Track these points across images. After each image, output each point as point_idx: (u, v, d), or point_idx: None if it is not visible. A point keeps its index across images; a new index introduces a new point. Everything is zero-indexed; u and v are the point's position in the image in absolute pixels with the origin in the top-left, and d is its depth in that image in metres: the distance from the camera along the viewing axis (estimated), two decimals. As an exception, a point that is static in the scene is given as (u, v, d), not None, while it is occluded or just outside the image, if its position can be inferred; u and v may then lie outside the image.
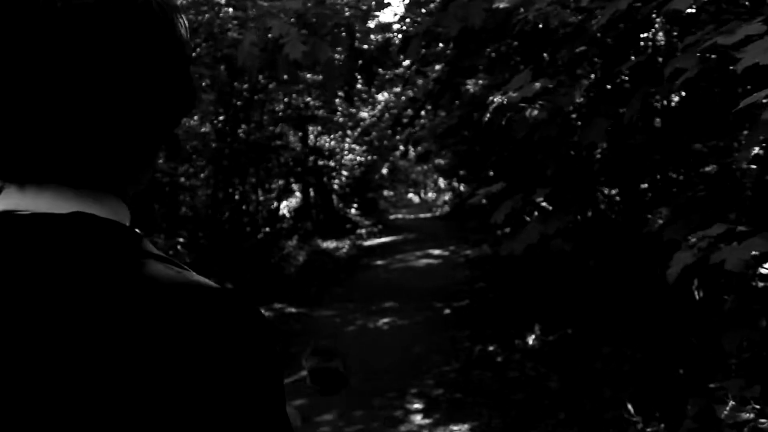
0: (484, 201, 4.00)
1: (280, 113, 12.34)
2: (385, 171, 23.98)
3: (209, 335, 0.58)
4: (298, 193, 17.59)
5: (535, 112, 2.97)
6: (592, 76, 3.92)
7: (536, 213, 4.99)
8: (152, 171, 0.71)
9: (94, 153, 0.62)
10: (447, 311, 7.93)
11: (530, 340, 6.08)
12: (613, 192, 4.10)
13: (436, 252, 13.78)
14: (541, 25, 3.58)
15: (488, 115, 3.19)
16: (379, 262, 12.70)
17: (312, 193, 17.17)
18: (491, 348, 6.07)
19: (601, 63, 3.70)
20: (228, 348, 0.58)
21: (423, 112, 9.87)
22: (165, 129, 0.67)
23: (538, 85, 2.95)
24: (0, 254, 0.59)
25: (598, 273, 4.81)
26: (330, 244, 13.83)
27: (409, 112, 9.30)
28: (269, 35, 4.06)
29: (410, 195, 36.50)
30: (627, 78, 3.58)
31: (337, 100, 12.89)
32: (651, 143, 3.31)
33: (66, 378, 0.54)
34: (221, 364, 0.58)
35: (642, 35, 3.51)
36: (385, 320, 7.64)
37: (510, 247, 3.16)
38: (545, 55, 4.12)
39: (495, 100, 3.05)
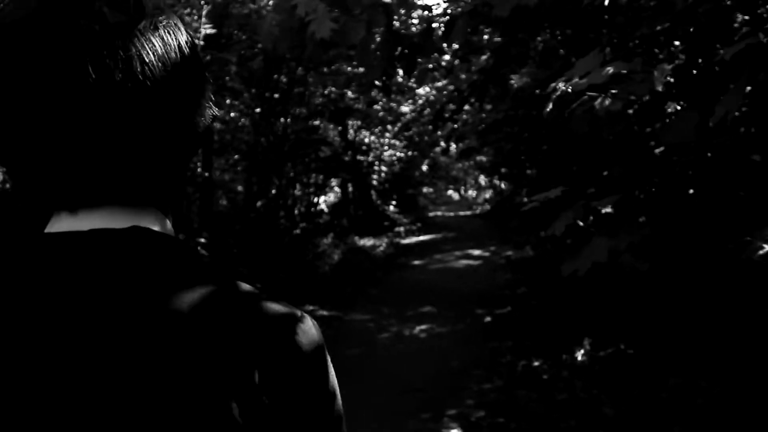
0: (535, 204, 3.49)
1: (319, 107, 11.97)
2: (425, 167, 23.57)
3: (295, 356, 0.63)
4: (336, 188, 17.27)
5: (607, 102, 2.47)
6: (666, 63, 3.39)
7: (592, 219, 4.47)
8: (185, 180, 0.74)
9: (141, 172, 0.64)
10: (488, 319, 7.44)
11: (579, 355, 5.58)
12: (696, 201, 3.55)
13: (476, 252, 13.34)
14: (606, 2, 3.09)
15: (550, 106, 2.71)
16: (416, 262, 12.28)
17: (350, 189, 16.82)
18: (536, 363, 5.57)
19: (687, 44, 3.16)
20: (310, 366, 0.65)
21: (467, 107, 9.37)
22: (193, 142, 0.70)
23: (610, 69, 2.46)
24: (76, 271, 0.60)
25: (668, 291, 4.25)
26: (367, 242, 13.50)
27: (452, 106, 8.83)
28: (298, 15, 3.67)
29: (450, 192, 36.02)
30: (716, 63, 3.03)
31: (379, 94, 12.47)
32: (745, 144, 2.78)
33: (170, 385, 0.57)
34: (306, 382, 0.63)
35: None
36: (422, 327, 7.18)
37: (572, 266, 2.67)
38: (612, 36, 3.59)
39: (558, 87, 2.56)
